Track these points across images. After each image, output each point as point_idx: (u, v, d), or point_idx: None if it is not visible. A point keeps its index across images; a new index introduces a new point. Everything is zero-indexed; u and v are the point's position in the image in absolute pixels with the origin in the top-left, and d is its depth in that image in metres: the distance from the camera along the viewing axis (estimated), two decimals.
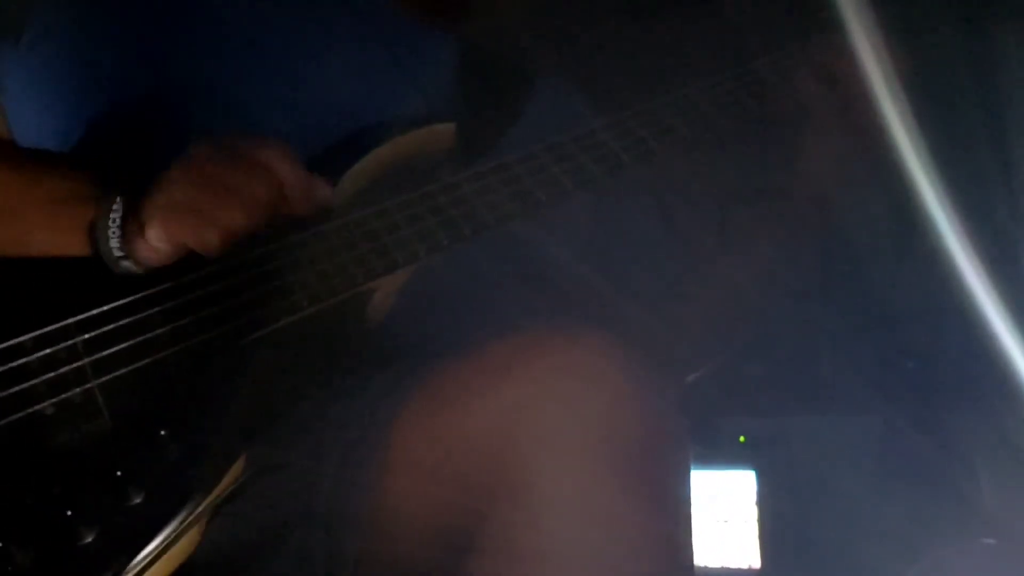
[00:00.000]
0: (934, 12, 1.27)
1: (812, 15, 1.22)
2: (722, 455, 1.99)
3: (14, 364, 0.91)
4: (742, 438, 2.00)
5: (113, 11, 1.15)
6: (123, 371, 0.93)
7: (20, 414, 0.90)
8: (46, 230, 0.98)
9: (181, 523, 0.88)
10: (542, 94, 1.29)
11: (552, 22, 1.46)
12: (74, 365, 0.92)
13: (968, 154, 1.42)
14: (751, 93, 1.21)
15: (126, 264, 0.95)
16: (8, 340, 0.92)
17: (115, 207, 0.96)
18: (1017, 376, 1.08)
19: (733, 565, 1.96)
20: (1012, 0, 1.29)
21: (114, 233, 0.95)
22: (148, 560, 0.86)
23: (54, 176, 1.03)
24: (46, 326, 0.93)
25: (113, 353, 0.93)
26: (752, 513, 1.96)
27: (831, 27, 1.13)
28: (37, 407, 0.90)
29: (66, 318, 0.94)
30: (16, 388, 0.90)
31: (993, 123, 1.50)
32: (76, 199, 0.99)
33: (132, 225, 0.95)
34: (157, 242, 0.94)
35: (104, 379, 0.92)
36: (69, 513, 0.86)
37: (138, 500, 0.88)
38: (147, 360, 0.93)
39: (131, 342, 0.93)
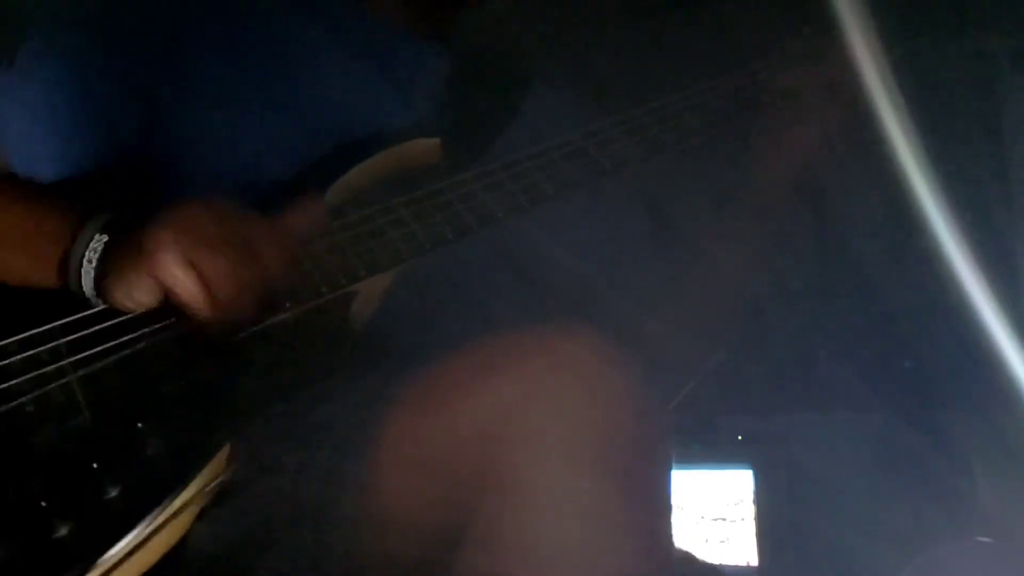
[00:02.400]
0: (930, 15, 1.27)
1: (808, 17, 1.23)
2: (719, 453, 1.99)
3: None
4: (739, 436, 2.00)
5: (107, 29, 1.16)
6: (103, 369, 0.94)
7: None
8: (24, 262, 1.01)
9: (157, 517, 0.89)
10: (538, 97, 1.30)
11: (547, 25, 1.47)
12: (55, 365, 0.94)
13: (965, 155, 1.42)
14: (745, 95, 1.22)
15: (97, 301, 0.97)
16: None
17: (94, 245, 0.97)
18: (1013, 375, 1.08)
19: (731, 563, 1.96)
20: (1006, 5, 1.30)
21: (88, 273, 0.97)
22: (122, 553, 0.87)
23: (37, 208, 1.05)
24: (33, 328, 0.95)
25: (95, 353, 0.94)
26: (749, 511, 1.96)
27: (826, 29, 1.14)
28: (16, 403, 0.92)
29: (54, 320, 0.95)
30: None
31: (989, 124, 1.50)
32: (56, 233, 1.00)
33: (115, 269, 0.97)
34: (147, 296, 0.96)
35: (83, 373, 0.94)
36: (44, 504, 0.87)
37: (114, 493, 0.89)
38: (128, 359, 0.94)
39: (114, 342, 0.94)
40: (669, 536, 0.91)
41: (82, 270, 0.98)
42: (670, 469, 0.94)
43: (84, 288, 0.98)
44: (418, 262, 1.05)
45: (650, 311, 1.24)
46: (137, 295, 0.96)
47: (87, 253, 0.98)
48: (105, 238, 0.98)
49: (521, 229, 1.12)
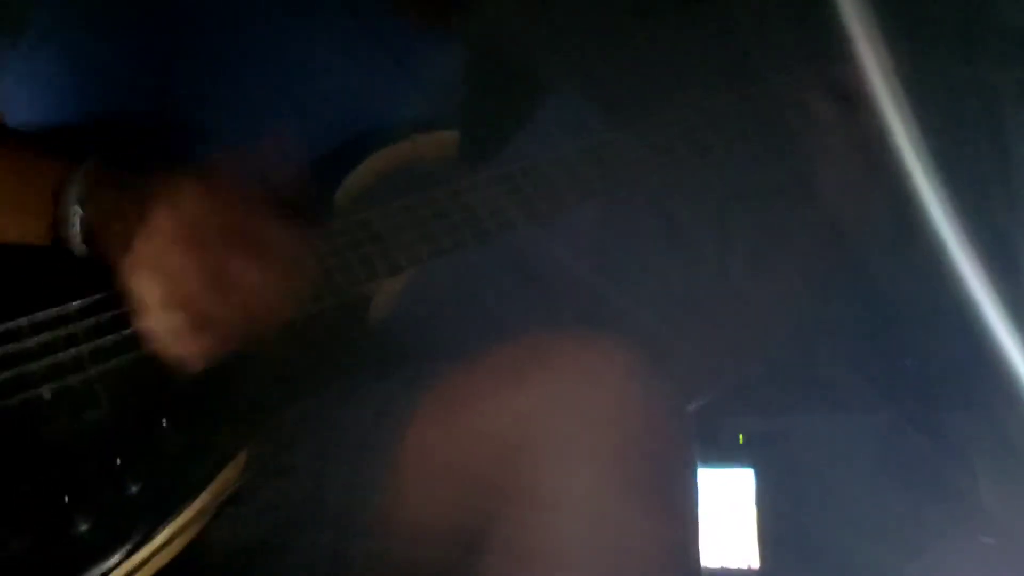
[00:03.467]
0: (935, 20, 1.28)
1: (815, 23, 1.23)
2: (721, 454, 1.99)
3: (10, 348, 0.91)
4: (741, 437, 2.00)
5: (116, 13, 1.16)
6: (123, 360, 0.92)
7: (16, 398, 0.89)
8: (9, 214, 0.97)
9: (178, 516, 0.89)
10: (551, 104, 1.30)
11: (559, 29, 1.47)
12: (72, 352, 0.91)
13: (968, 154, 1.43)
14: (760, 108, 1.23)
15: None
16: (6, 323, 0.91)
17: (72, 217, 0.93)
18: (1016, 375, 1.08)
19: (732, 565, 1.96)
20: (1011, 12, 1.30)
21: (74, 225, 0.93)
22: (143, 551, 0.87)
23: (19, 159, 1.01)
24: (46, 309, 0.92)
25: (115, 341, 0.92)
26: (751, 512, 1.96)
27: (832, 34, 1.14)
28: (34, 391, 0.90)
29: (68, 302, 0.93)
30: (11, 372, 0.90)
31: (993, 123, 1.50)
32: (40, 183, 0.96)
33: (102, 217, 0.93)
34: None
35: (103, 367, 0.92)
36: (66, 500, 0.86)
37: (135, 490, 0.88)
38: (148, 351, 0.92)
39: (132, 330, 0.92)
40: (695, 543, 0.91)
41: (70, 218, 0.94)
42: (695, 476, 0.93)
43: (73, 239, 0.94)
44: (435, 263, 1.05)
45: (665, 321, 1.23)
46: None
47: (73, 203, 0.94)
48: (77, 209, 0.93)
49: (538, 233, 1.12)
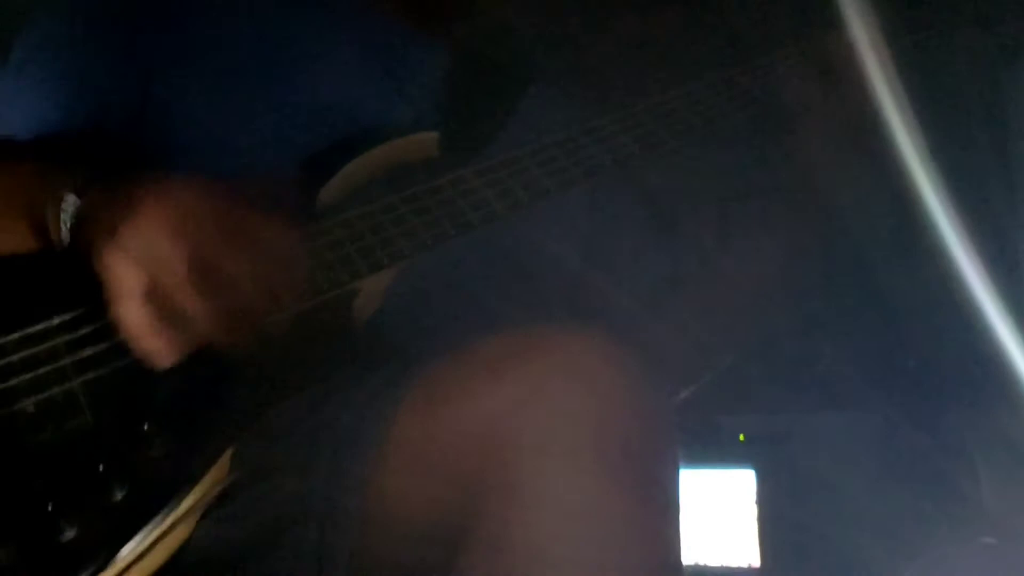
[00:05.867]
0: (934, 10, 1.27)
1: (812, 12, 1.22)
2: (721, 453, 1.99)
3: None
4: (741, 436, 2.00)
5: (104, 22, 1.16)
6: (105, 370, 0.93)
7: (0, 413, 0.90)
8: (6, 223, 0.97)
9: (164, 519, 0.89)
10: (536, 95, 1.30)
11: (546, 21, 1.47)
12: (55, 365, 0.92)
13: (969, 153, 1.42)
14: (747, 91, 1.22)
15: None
16: None
17: (65, 206, 0.94)
18: (1016, 374, 1.08)
19: (733, 564, 1.95)
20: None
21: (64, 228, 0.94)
22: (130, 556, 0.87)
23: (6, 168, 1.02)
24: (29, 326, 0.93)
25: (95, 352, 0.93)
26: (752, 512, 1.95)
27: (830, 24, 1.14)
28: (17, 406, 0.90)
29: (50, 318, 0.94)
30: None
31: (994, 121, 1.50)
32: (28, 191, 0.97)
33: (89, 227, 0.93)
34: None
35: (85, 378, 0.93)
36: (50, 508, 0.86)
37: (120, 496, 0.89)
38: (130, 359, 0.93)
39: (114, 341, 0.92)
40: (677, 537, 0.91)
41: (61, 230, 0.94)
42: (678, 469, 0.93)
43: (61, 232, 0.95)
44: (419, 259, 1.05)
45: (651, 312, 1.23)
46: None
47: (63, 207, 0.94)
48: (73, 198, 0.94)
49: (522, 226, 1.12)
